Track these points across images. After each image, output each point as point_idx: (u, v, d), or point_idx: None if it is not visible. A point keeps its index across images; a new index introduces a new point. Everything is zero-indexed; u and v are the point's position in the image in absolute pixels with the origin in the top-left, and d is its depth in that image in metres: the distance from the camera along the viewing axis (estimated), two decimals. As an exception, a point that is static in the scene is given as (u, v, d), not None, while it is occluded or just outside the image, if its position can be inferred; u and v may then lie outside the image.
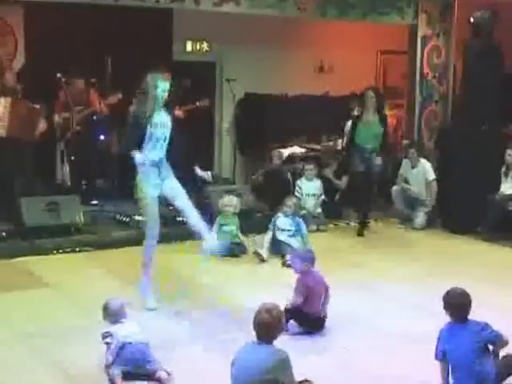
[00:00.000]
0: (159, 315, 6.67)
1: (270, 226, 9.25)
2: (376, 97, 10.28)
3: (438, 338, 5.06)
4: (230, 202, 9.25)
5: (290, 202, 9.38)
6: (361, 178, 10.30)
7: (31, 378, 5.30)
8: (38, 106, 9.92)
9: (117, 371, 5.05)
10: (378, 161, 10.22)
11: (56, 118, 10.32)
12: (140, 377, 5.18)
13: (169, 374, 5.17)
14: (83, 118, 10.51)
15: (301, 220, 9.41)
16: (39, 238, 8.86)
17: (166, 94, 6.87)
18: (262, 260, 8.83)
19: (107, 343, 5.19)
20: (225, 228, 9.06)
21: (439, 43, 11.95)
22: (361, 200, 10.47)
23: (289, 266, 8.05)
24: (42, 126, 9.89)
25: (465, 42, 11.09)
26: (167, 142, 6.90)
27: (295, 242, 9.00)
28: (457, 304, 5.04)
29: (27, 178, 9.86)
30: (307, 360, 5.35)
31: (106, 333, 5.23)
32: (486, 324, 4.99)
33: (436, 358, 5.09)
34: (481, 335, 4.95)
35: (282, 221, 9.24)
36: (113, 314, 5.28)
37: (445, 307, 5.06)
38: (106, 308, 5.31)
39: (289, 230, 9.19)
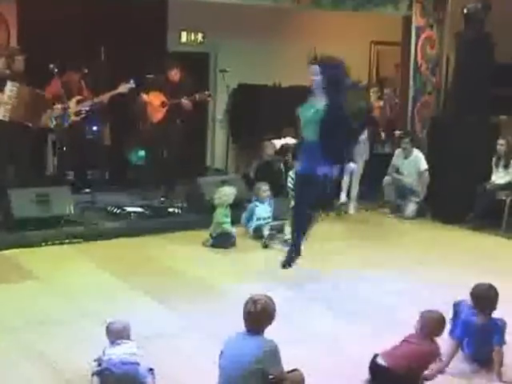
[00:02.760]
0: (148, 307, 6.66)
1: (246, 216, 9.42)
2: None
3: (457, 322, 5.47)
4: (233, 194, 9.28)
5: (265, 187, 9.48)
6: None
7: (17, 371, 5.27)
8: (46, 95, 9.95)
9: (96, 381, 4.92)
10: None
11: (57, 107, 10.25)
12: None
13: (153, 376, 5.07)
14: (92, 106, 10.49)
15: (272, 202, 9.62)
16: (28, 230, 8.76)
17: None
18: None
19: (99, 357, 5.11)
20: (226, 219, 9.07)
21: (433, 34, 11.92)
22: None
23: (266, 246, 8.96)
24: (47, 116, 9.91)
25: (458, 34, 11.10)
26: None
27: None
28: (482, 297, 5.40)
29: (20, 168, 9.85)
30: (295, 349, 5.32)
31: (104, 349, 5.17)
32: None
33: (450, 335, 5.42)
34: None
35: (261, 209, 9.37)
36: (110, 336, 5.17)
37: (472, 299, 5.44)
38: (106, 328, 5.23)
39: (268, 217, 9.37)
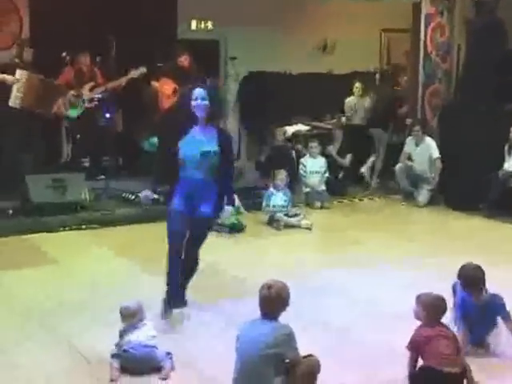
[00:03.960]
0: (160, 292, 6.72)
1: (265, 203, 9.53)
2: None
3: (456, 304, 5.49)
4: None
5: (282, 175, 9.55)
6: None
7: (41, 353, 5.36)
8: (57, 83, 10.04)
9: (116, 364, 5.02)
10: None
11: (69, 95, 10.32)
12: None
13: (172, 361, 5.15)
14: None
15: (289, 192, 9.71)
16: (45, 215, 8.94)
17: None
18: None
19: (119, 342, 5.16)
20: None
21: (443, 21, 11.91)
22: None
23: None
24: (60, 104, 10.01)
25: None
26: None
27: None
28: (470, 277, 5.44)
29: (36, 155, 9.97)
30: (309, 337, 5.33)
31: (120, 331, 5.19)
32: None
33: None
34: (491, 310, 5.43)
35: (277, 197, 9.49)
36: (125, 319, 5.19)
37: (460, 281, 5.52)
38: (120, 312, 5.24)
39: (283, 206, 9.47)
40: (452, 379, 4.73)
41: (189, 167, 6.06)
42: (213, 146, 6.03)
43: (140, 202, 6.21)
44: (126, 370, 5.02)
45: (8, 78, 9.54)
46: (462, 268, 5.54)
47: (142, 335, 5.10)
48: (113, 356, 5.06)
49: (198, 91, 6.01)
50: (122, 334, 5.15)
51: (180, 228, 6.05)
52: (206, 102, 5.99)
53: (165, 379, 4.98)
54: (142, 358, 5.04)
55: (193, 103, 6.01)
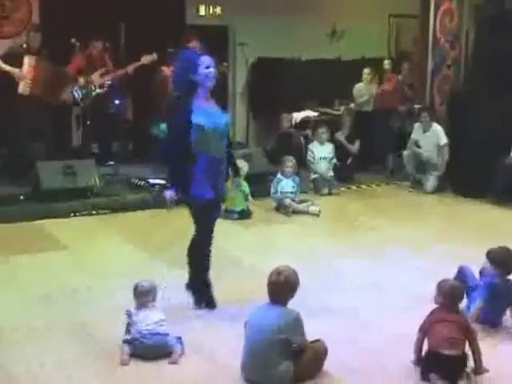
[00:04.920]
0: (174, 277, 6.61)
1: (274, 189, 9.54)
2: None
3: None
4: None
5: (290, 162, 9.57)
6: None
7: (52, 338, 5.42)
8: (69, 71, 10.09)
9: (127, 349, 5.07)
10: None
11: (80, 80, 10.36)
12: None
13: (182, 346, 5.20)
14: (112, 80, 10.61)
15: (298, 179, 9.75)
16: (56, 201, 8.99)
17: None
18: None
19: (128, 322, 5.23)
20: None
21: (452, 7, 11.87)
22: None
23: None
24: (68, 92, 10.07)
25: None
26: None
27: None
28: (502, 259, 5.64)
29: (46, 141, 10.03)
30: (318, 322, 5.41)
31: (128, 311, 5.24)
32: None
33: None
34: None
35: (285, 183, 9.51)
36: (138, 297, 5.27)
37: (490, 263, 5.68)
38: (134, 289, 5.32)
39: (291, 193, 9.50)
40: (452, 361, 4.77)
41: (211, 141, 5.56)
42: (226, 117, 5.78)
43: (166, 204, 5.61)
44: (136, 355, 5.08)
45: (14, 71, 9.59)
46: (492, 250, 5.70)
47: (151, 320, 5.15)
48: (124, 342, 5.13)
49: (208, 59, 5.59)
50: (130, 315, 5.21)
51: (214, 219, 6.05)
52: (216, 70, 5.61)
53: (174, 363, 5.04)
54: (154, 346, 5.09)
55: (204, 71, 5.51)
